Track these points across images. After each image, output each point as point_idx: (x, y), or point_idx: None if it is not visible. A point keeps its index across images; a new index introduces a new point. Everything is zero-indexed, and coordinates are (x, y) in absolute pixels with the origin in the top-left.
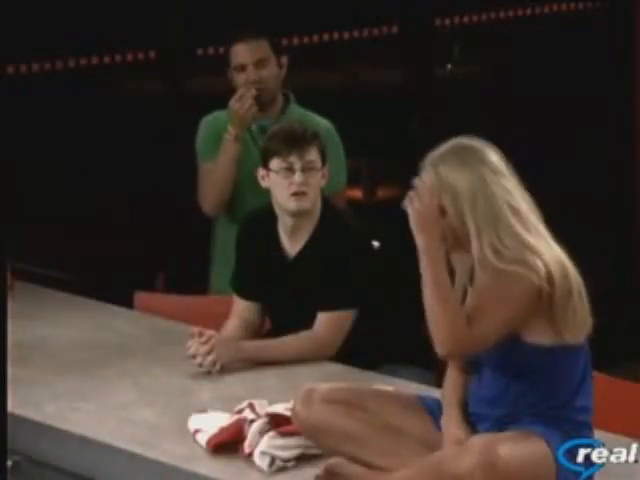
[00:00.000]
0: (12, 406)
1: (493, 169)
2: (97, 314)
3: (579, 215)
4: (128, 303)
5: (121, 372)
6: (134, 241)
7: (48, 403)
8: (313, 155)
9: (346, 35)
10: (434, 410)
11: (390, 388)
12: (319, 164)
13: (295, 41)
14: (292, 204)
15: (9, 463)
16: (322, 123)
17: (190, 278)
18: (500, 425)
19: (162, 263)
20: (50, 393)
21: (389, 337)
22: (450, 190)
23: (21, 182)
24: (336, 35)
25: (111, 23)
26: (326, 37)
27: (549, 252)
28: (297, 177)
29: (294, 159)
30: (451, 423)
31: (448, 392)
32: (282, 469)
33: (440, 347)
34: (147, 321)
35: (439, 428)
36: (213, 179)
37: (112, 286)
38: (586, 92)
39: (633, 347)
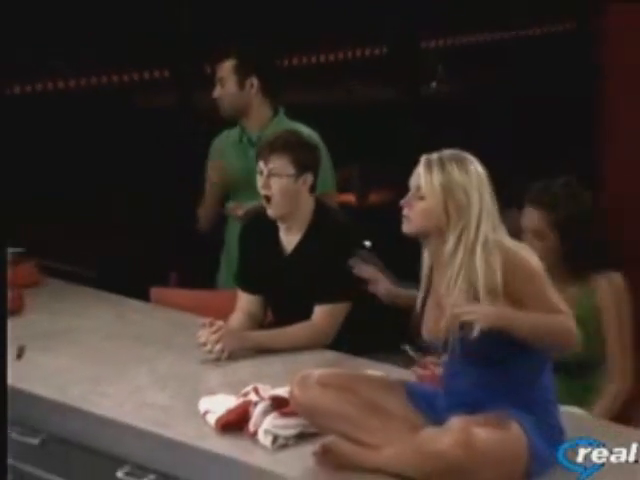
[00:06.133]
0: (40, 390)
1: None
2: (117, 307)
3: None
4: (145, 297)
5: (138, 359)
6: (150, 242)
7: (73, 387)
8: (277, 163)
9: (341, 55)
10: (415, 394)
11: (379, 373)
12: (285, 171)
13: (295, 61)
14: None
15: (36, 441)
16: (306, 132)
17: (199, 278)
18: (475, 409)
19: (175, 263)
20: (75, 378)
21: (379, 327)
22: (458, 188)
23: (50, 187)
24: (332, 56)
25: (131, 46)
26: (323, 58)
27: None
28: (260, 180)
29: (262, 164)
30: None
31: None
32: (284, 446)
33: (575, 338)
34: (162, 313)
35: (419, 410)
36: (203, 217)
37: (130, 282)
38: (567, 109)
39: None
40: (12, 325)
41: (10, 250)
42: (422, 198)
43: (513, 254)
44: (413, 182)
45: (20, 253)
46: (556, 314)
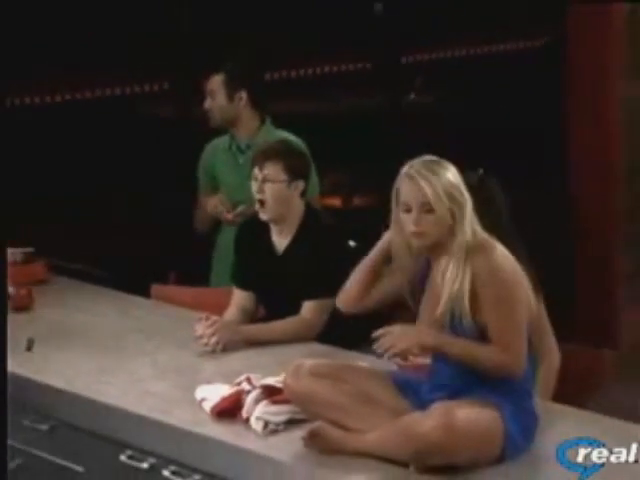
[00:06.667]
0: (50, 380)
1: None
2: (121, 303)
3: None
4: (146, 295)
5: (141, 352)
6: (149, 242)
7: (80, 377)
8: (271, 169)
9: (327, 69)
10: (401, 383)
11: (366, 364)
12: (278, 177)
13: (284, 74)
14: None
15: (46, 427)
16: (293, 140)
17: (197, 276)
18: (458, 396)
19: (174, 263)
20: (82, 369)
21: (362, 321)
22: (449, 191)
23: (50, 187)
24: (319, 70)
25: (133, 62)
26: (310, 71)
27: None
28: (254, 186)
29: (257, 171)
30: None
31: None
32: (274, 431)
33: (514, 372)
34: (162, 309)
35: (406, 398)
36: (198, 220)
37: (131, 281)
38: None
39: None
40: (23, 320)
41: (22, 250)
42: (430, 211)
43: (496, 267)
44: (413, 199)
45: (30, 252)
46: (498, 348)
